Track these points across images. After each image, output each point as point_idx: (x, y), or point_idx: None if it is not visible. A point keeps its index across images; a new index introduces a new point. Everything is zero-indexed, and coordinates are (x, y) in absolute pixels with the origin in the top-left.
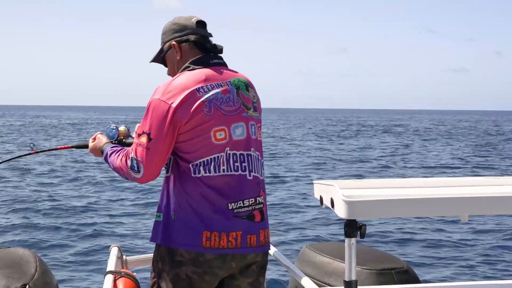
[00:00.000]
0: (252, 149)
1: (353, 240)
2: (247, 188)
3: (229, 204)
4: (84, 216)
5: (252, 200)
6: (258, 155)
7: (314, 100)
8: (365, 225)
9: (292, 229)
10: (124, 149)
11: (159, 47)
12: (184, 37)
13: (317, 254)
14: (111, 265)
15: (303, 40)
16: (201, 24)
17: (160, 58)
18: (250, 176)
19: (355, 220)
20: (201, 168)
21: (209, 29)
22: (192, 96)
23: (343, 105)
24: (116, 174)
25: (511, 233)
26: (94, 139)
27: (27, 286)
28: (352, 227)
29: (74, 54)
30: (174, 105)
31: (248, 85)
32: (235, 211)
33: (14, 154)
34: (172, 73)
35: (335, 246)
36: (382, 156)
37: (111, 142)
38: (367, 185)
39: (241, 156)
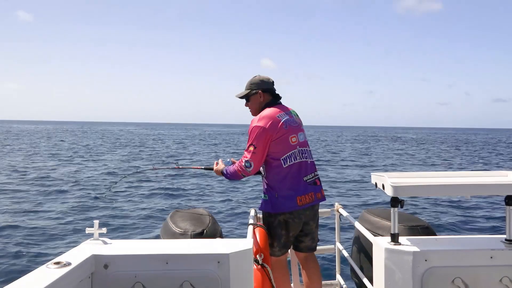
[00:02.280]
0: (308, 146)
1: (396, 209)
2: (310, 167)
3: (304, 178)
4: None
5: (313, 174)
6: (309, 149)
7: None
8: (403, 200)
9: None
10: (235, 163)
11: (243, 89)
12: (267, 89)
13: (371, 216)
14: (251, 220)
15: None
16: (273, 82)
17: (245, 96)
18: (309, 161)
19: (397, 197)
20: (288, 160)
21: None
22: (276, 120)
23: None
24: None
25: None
26: (217, 164)
27: (204, 231)
28: (395, 201)
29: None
30: (267, 127)
31: (297, 113)
32: (307, 181)
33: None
34: (254, 107)
35: (383, 211)
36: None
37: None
38: (405, 176)
39: (304, 150)
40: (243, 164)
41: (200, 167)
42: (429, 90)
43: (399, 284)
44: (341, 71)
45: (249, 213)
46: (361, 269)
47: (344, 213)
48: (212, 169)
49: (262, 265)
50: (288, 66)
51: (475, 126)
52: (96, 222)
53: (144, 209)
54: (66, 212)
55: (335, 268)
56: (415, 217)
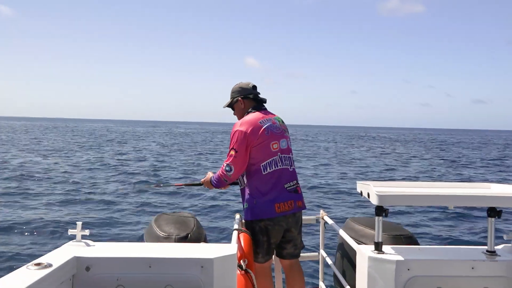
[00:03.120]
0: (290, 153)
1: (380, 218)
2: (291, 175)
3: (284, 185)
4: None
5: (294, 182)
6: (292, 156)
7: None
8: (387, 209)
9: (338, 208)
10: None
11: (228, 99)
12: (247, 96)
13: (355, 224)
14: (236, 225)
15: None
16: (254, 87)
17: (230, 105)
18: (291, 168)
19: (382, 206)
20: (268, 167)
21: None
22: (257, 125)
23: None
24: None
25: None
26: (208, 179)
27: (189, 235)
28: (380, 210)
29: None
30: (248, 132)
31: (282, 120)
32: (288, 189)
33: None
34: (238, 114)
35: (367, 219)
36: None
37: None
38: (390, 185)
39: (286, 157)
40: (224, 168)
41: (185, 184)
42: (410, 91)
43: None
44: (325, 71)
45: (234, 218)
46: (345, 276)
47: (329, 220)
48: (200, 184)
49: (245, 271)
50: (272, 65)
51: (456, 127)
52: (79, 223)
53: (127, 212)
54: (48, 211)
55: (319, 275)
56: (398, 227)
